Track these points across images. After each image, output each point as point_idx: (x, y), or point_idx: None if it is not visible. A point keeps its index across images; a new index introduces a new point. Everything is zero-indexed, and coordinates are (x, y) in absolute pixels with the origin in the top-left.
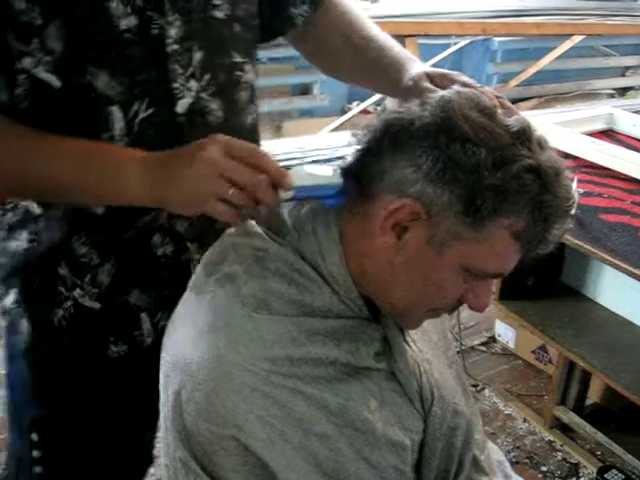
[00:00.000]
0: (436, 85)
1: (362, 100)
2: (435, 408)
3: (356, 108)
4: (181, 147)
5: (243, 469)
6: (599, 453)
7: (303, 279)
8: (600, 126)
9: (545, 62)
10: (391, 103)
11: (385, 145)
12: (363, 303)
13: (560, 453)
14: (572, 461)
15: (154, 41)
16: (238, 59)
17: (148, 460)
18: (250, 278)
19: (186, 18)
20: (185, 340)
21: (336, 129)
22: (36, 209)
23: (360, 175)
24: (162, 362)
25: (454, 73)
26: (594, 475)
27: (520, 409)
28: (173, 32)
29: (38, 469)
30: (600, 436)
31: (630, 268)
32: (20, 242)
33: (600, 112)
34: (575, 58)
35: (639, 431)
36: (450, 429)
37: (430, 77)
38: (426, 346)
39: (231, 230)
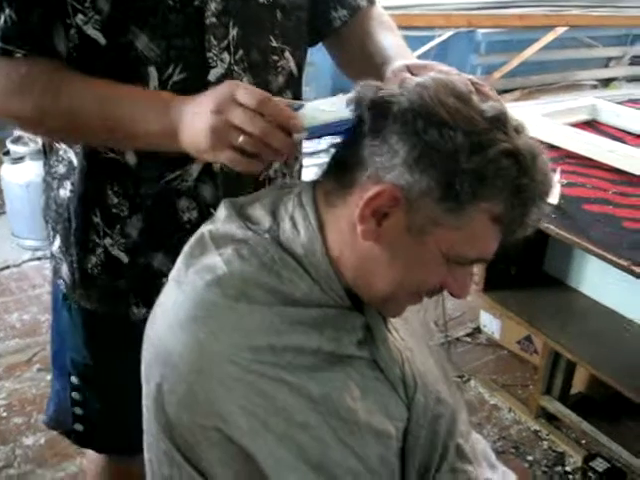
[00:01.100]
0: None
1: (346, 92)
2: (418, 395)
3: None
4: (202, 94)
5: (228, 460)
6: (584, 442)
7: (284, 269)
8: (583, 117)
9: (529, 53)
10: None
11: (363, 132)
12: (344, 292)
13: (546, 442)
14: (558, 450)
15: (194, 11)
16: (275, 43)
17: None
18: (231, 268)
19: None
20: (166, 331)
21: None
22: (74, 160)
23: (338, 164)
24: (144, 353)
25: (434, 63)
26: (580, 464)
27: (506, 399)
28: (213, 6)
29: (78, 410)
30: (585, 425)
31: (615, 259)
32: (65, 191)
33: (583, 103)
34: (558, 49)
35: (624, 420)
36: (434, 417)
37: (410, 69)
38: (408, 335)
39: (215, 216)
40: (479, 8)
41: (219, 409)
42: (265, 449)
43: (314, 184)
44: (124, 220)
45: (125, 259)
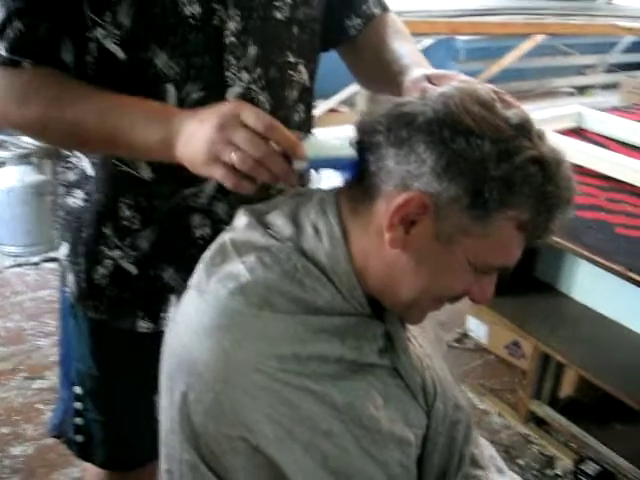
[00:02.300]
0: (435, 85)
1: (326, 98)
2: (438, 403)
3: (321, 106)
4: (206, 109)
5: (253, 469)
6: (574, 445)
7: (306, 277)
8: (569, 124)
9: (507, 61)
10: (362, 100)
11: (387, 142)
12: (366, 300)
13: (536, 446)
14: (548, 454)
15: (214, 31)
16: (292, 59)
17: None
18: (253, 276)
19: (246, 14)
20: (190, 340)
21: None
22: (89, 170)
23: (363, 173)
24: (165, 363)
25: (453, 73)
26: (570, 467)
27: (495, 404)
28: (232, 25)
29: (79, 421)
30: (575, 428)
31: (610, 264)
32: (76, 199)
33: (569, 111)
34: (536, 57)
35: (613, 422)
36: (452, 423)
37: (429, 78)
38: (425, 342)
39: (232, 225)
40: (460, 15)
41: (245, 418)
42: (290, 458)
43: (336, 192)
44: (136, 233)
45: (134, 271)
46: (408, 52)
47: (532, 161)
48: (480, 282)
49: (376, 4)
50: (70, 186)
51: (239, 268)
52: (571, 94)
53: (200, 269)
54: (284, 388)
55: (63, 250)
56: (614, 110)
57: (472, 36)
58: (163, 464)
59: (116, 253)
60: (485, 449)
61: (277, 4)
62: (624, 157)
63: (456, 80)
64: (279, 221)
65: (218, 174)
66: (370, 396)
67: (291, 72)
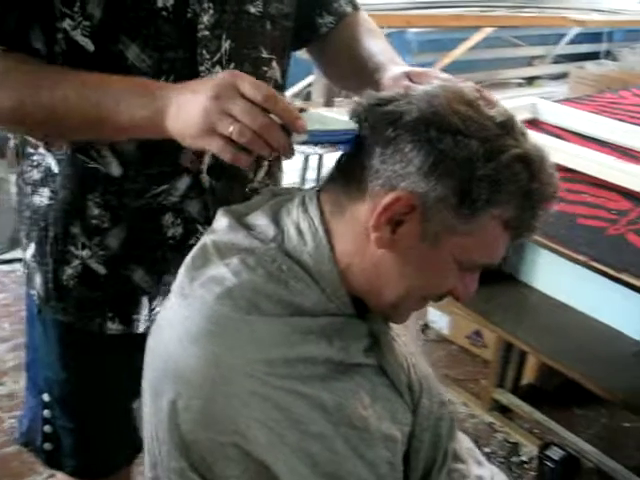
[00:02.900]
0: (415, 83)
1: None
2: (424, 400)
3: None
4: (199, 80)
5: (245, 475)
6: (537, 431)
7: (292, 278)
8: (525, 116)
9: (458, 52)
10: (317, 93)
11: (372, 140)
12: (349, 300)
13: (500, 434)
14: (512, 441)
15: (187, 24)
16: (265, 54)
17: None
18: (239, 279)
19: (219, 8)
20: (177, 347)
21: None
22: (54, 167)
23: (346, 173)
24: (148, 370)
25: (433, 70)
26: (534, 453)
27: (459, 393)
28: (205, 19)
29: (47, 428)
30: (538, 415)
31: (574, 255)
32: (42, 198)
33: (524, 102)
34: (486, 49)
35: (573, 407)
36: (437, 420)
37: (409, 76)
38: (409, 339)
39: (213, 227)
40: (414, 8)
41: (237, 424)
42: (282, 462)
43: (317, 192)
44: (105, 232)
45: (103, 272)
46: (382, 50)
47: (517, 159)
48: (464, 279)
49: (347, 2)
50: (35, 185)
51: (223, 271)
52: (520, 85)
53: (182, 273)
54: (274, 392)
55: (29, 251)
56: (567, 101)
57: (423, 29)
58: (148, 472)
59: (84, 253)
60: (463, 441)
61: None
62: (581, 148)
63: (437, 78)
64: (261, 222)
65: (214, 146)
66: (358, 396)
67: (265, 68)
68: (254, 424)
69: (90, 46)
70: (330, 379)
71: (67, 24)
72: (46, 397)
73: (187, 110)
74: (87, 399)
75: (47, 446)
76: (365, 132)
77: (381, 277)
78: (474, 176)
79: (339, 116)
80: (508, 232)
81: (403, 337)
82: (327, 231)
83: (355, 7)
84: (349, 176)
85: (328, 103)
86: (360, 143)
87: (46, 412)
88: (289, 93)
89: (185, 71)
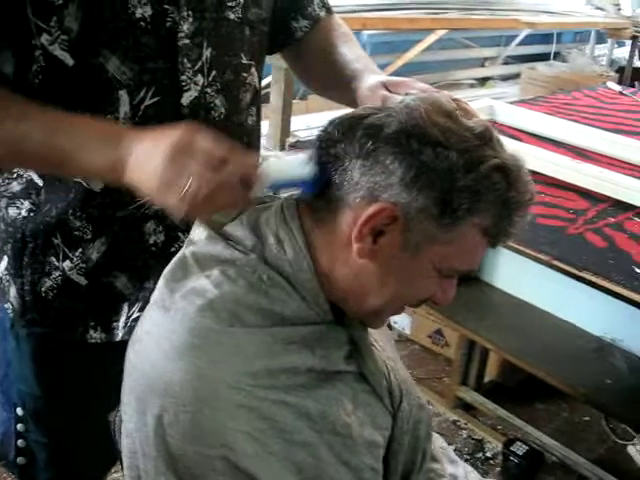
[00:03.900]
0: (393, 93)
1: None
2: (404, 404)
3: None
4: (158, 131)
5: None
6: (501, 427)
7: (272, 288)
8: (483, 117)
9: (412, 54)
10: (275, 95)
11: (352, 154)
12: (329, 307)
13: (465, 431)
14: (477, 437)
15: (166, 33)
16: (245, 61)
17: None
18: (220, 291)
19: (199, 15)
20: (161, 361)
21: None
22: (38, 180)
23: (325, 185)
24: (130, 384)
25: (410, 80)
26: (499, 449)
27: (423, 392)
28: (185, 27)
29: (20, 442)
30: (501, 411)
31: (536, 254)
32: (20, 210)
33: (481, 104)
34: (438, 50)
35: (536, 403)
36: (415, 422)
37: (386, 85)
38: (387, 343)
39: (191, 238)
40: (368, 10)
41: (224, 437)
42: (269, 472)
43: (296, 201)
44: (87, 243)
45: (84, 282)
46: (358, 56)
47: (496, 169)
48: (443, 286)
49: (321, 7)
50: (13, 197)
51: (204, 283)
52: (472, 85)
53: (161, 285)
54: (260, 403)
55: (1, 264)
56: (523, 103)
57: (377, 31)
58: None
59: (66, 264)
60: (436, 441)
61: (230, 4)
62: (537, 148)
63: (414, 88)
64: (239, 232)
65: (171, 203)
66: (341, 403)
67: (245, 74)
68: (241, 436)
69: (69, 60)
70: (313, 387)
71: (44, 39)
72: (20, 411)
73: (146, 164)
74: (62, 413)
75: (20, 460)
76: (327, 159)
77: (362, 286)
78: (455, 187)
79: (298, 160)
80: (487, 239)
81: (380, 341)
82: (306, 241)
83: (329, 11)
84: (327, 187)
85: (285, 106)
86: (337, 155)
87: (19, 426)
88: None
89: (166, 81)
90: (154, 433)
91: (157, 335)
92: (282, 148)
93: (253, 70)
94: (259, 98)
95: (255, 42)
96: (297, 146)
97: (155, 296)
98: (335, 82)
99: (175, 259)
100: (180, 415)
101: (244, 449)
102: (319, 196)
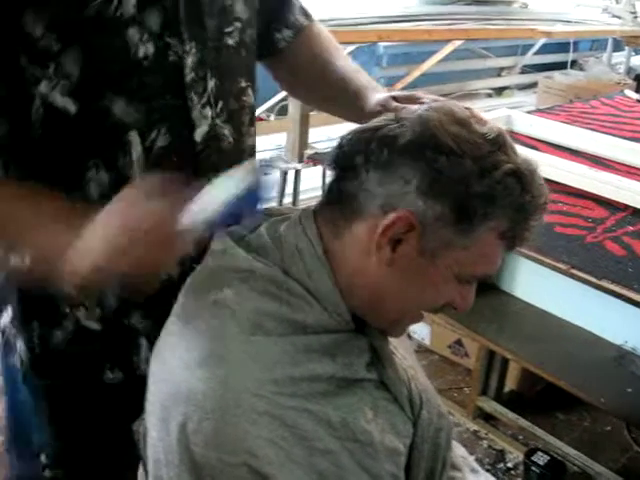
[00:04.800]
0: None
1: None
2: (424, 412)
3: None
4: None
5: None
6: (522, 437)
7: (293, 297)
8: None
9: (428, 65)
10: (294, 108)
11: (368, 165)
12: (350, 317)
13: (485, 441)
14: (498, 448)
15: (171, 69)
16: (243, 84)
17: None
18: (242, 301)
19: (200, 46)
20: (184, 371)
21: None
22: None
23: (341, 195)
24: (154, 394)
25: (420, 93)
26: (519, 459)
27: (443, 402)
28: (190, 60)
29: None
30: (522, 421)
31: (554, 263)
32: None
33: (498, 114)
34: (455, 60)
35: (557, 412)
36: (436, 430)
37: (397, 100)
38: (406, 352)
39: (212, 249)
40: (386, 22)
41: (247, 444)
42: (291, 479)
43: (313, 212)
44: (102, 292)
45: (98, 328)
46: (354, 70)
47: (510, 174)
48: (462, 291)
49: (301, 13)
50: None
51: (225, 294)
52: (489, 95)
53: (182, 297)
54: (283, 411)
55: (6, 315)
56: (540, 112)
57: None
58: None
59: (80, 313)
60: (457, 449)
61: (228, 30)
62: (554, 158)
63: (425, 99)
64: (258, 243)
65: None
66: (361, 410)
67: (244, 98)
68: (264, 443)
69: (72, 107)
70: (334, 395)
71: (43, 87)
72: (44, 459)
73: (85, 247)
74: (85, 453)
75: None
76: (344, 172)
77: (382, 294)
78: (470, 193)
79: (241, 172)
80: (504, 243)
81: (400, 349)
82: (326, 251)
83: (308, 17)
84: (344, 199)
85: (303, 117)
86: (353, 167)
87: (47, 472)
88: (264, 108)
89: (176, 118)
90: (177, 441)
91: (179, 345)
92: (300, 160)
93: (249, 91)
94: (254, 115)
95: (251, 62)
96: (315, 158)
97: (176, 308)
98: (337, 99)
99: (196, 271)
100: (203, 423)
101: (267, 456)
102: (334, 207)
